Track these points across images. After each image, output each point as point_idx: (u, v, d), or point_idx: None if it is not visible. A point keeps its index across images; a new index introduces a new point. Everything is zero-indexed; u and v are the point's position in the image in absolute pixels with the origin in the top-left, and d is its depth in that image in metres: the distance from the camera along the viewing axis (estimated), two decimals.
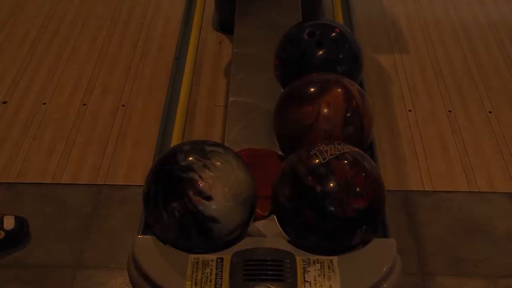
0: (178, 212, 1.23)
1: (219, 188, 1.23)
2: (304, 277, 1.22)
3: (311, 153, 1.28)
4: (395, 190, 2.17)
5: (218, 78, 2.61)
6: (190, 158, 1.26)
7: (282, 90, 1.64)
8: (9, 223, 1.85)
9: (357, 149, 1.32)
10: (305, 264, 1.24)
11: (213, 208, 1.23)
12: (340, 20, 2.14)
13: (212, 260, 1.25)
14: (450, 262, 1.96)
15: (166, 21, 2.92)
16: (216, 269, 1.23)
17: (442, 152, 2.34)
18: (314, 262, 1.25)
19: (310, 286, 1.21)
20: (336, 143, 1.30)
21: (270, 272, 1.23)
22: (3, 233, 1.83)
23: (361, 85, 1.66)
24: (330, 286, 1.21)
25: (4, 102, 2.41)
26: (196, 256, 1.26)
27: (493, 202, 2.16)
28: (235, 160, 1.30)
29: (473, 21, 3.02)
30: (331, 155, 1.26)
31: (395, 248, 1.29)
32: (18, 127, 2.31)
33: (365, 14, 3.04)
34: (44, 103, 2.41)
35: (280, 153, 1.55)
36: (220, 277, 1.22)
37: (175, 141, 1.66)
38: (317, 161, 1.26)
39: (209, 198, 1.22)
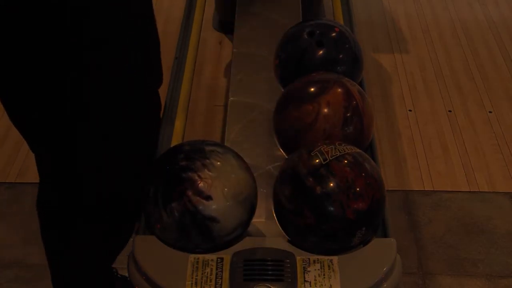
0: (177, 212, 1.23)
1: (219, 188, 1.23)
2: (304, 277, 1.22)
3: (312, 153, 1.28)
4: (395, 190, 2.17)
5: (218, 78, 2.61)
6: (190, 158, 1.26)
7: (282, 90, 1.63)
8: None
9: (358, 150, 1.32)
10: (305, 264, 1.24)
11: (212, 208, 1.23)
12: (340, 20, 2.14)
13: (212, 260, 1.25)
14: (450, 262, 1.96)
15: (166, 21, 2.92)
16: (216, 269, 1.23)
17: (442, 152, 2.34)
18: (314, 262, 1.25)
19: (310, 286, 1.21)
20: (337, 144, 1.30)
21: (270, 272, 1.23)
22: None
23: (361, 85, 1.66)
24: (330, 286, 1.21)
25: None
26: (196, 256, 1.26)
27: (493, 202, 2.16)
28: (234, 159, 1.30)
29: (473, 21, 3.02)
30: (332, 156, 1.26)
31: (395, 248, 1.29)
32: None
33: (365, 14, 3.04)
34: None
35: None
36: (220, 277, 1.22)
37: (175, 141, 1.66)
38: (317, 161, 1.26)
39: (208, 198, 1.22)
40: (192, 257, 1.26)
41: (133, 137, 1.60)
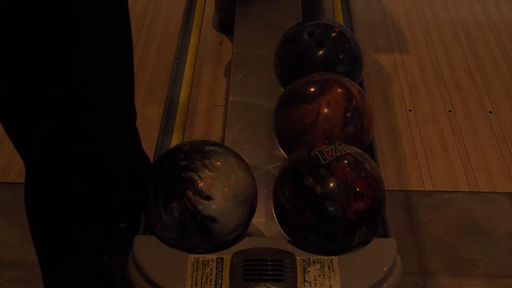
0: (177, 212, 1.23)
1: (219, 188, 1.23)
2: (304, 277, 1.22)
3: (312, 153, 1.28)
4: (395, 190, 2.17)
5: (218, 78, 2.61)
6: (190, 158, 1.26)
7: (282, 90, 1.64)
8: None
9: (358, 150, 1.32)
10: (305, 264, 1.24)
11: (212, 208, 1.23)
12: (340, 20, 2.14)
13: (212, 260, 1.25)
14: (450, 262, 1.96)
15: (166, 21, 2.92)
16: (216, 269, 1.23)
17: (442, 152, 2.34)
18: (314, 262, 1.25)
19: (310, 286, 1.21)
20: (337, 144, 1.30)
21: (270, 272, 1.23)
22: None
23: (361, 85, 1.66)
24: (330, 286, 1.21)
25: None
26: (196, 256, 1.26)
27: (493, 202, 2.16)
28: (234, 160, 1.30)
29: (473, 21, 3.02)
30: (332, 156, 1.26)
31: (395, 248, 1.29)
32: None
33: (365, 14, 3.04)
34: None
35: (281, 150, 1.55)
36: (220, 277, 1.22)
37: (175, 141, 1.66)
38: (318, 162, 1.26)
39: (208, 198, 1.22)
40: (192, 257, 1.26)
41: (130, 134, 1.60)
